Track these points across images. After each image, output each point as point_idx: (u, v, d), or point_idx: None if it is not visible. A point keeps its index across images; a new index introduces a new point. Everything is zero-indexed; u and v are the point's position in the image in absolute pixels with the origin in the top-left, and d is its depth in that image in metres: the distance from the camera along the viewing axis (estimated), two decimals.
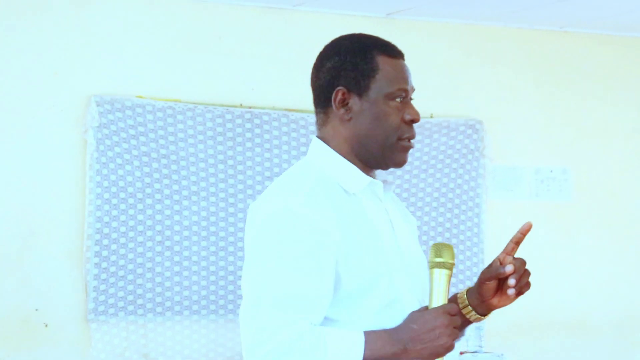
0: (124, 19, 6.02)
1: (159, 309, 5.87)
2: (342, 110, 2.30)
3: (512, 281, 2.33)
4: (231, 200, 6.09)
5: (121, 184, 5.86)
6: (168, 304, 5.90)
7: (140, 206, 5.88)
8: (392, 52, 2.35)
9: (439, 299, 2.31)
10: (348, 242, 2.22)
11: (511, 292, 2.35)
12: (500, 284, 2.35)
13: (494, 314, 6.76)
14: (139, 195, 5.88)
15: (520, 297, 7.65)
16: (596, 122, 7.17)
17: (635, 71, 7.28)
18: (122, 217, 5.82)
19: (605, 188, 7.15)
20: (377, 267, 2.28)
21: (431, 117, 6.69)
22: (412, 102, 2.39)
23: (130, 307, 5.81)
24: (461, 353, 5.64)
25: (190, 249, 5.98)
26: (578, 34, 7.12)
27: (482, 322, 5.63)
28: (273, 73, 6.31)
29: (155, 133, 5.95)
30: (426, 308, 2.30)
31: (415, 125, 2.33)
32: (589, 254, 7.09)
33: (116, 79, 5.94)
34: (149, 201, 5.90)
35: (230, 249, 6.05)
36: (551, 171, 7.05)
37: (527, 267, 2.31)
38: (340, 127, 2.31)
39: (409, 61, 2.44)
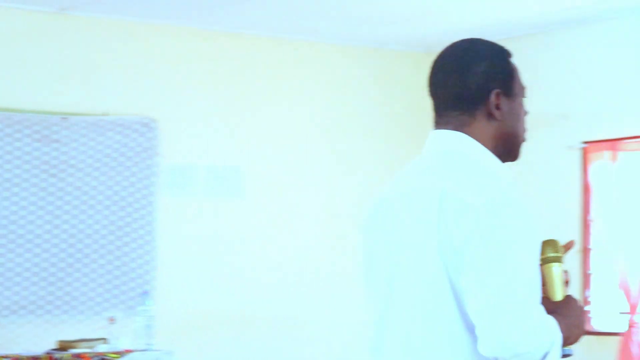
0: None
1: None
2: (494, 111, 2.37)
3: None
4: None
5: None
6: None
7: None
8: (512, 55, 2.48)
9: (563, 290, 2.40)
10: None
11: None
12: None
13: (163, 311, 6.79)
14: None
15: (190, 294, 7.70)
16: (267, 122, 7.38)
17: (305, 74, 7.56)
18: None
19: (275, 186, 7.38)
20: None
21: (105, 115, 6.64)
22: None
23: None
24: (128, 351, 5.62)
25: None
26: (252, 37, 7.31)
27: (152, 319, 5.70)
28: None
29: None
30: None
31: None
32: (259, 251, 7.29)
33: None
34: None
35: None
36: (224, 169, 7.18)
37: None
38: (488, 126, 2.37)
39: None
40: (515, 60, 2.50)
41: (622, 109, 6.88)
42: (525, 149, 2.45)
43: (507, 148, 2.41)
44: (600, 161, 6.88)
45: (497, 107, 2.37)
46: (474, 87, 2.37)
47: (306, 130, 7.53)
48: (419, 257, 2.27)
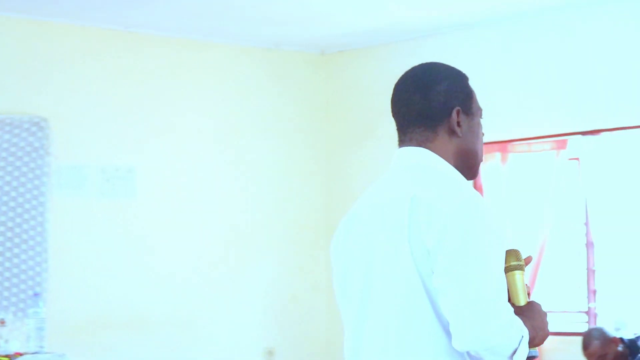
0: None
1: None
2: (456, 127, 2.51)
3: None
4: None
5: None
6: None
7: None
8: (468, 78, 2.62)
9: (525, 297, 2.51)
10: None
11: None
12: None
13: (55, 313, 6.68)
14: None
15: (83, 295, 7.59)
16: (163, 122, 7.33)
17: (201, 74, 7.53)
18: None
19: (170, 187, 7.33)
20: None
21: None
22: None
23: None
24: (18, 354, 5.52)
25: None
26: (147, 36, 7.25)
27: (43, 321, 5.60)
28: None
29: None
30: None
31: None
32: (153, 253, 7.23)
33: None
34: None
35: None
36: (117, 170, 7.11)
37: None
38: (449, 143, 2.51)
39: None
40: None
41: (513, 111, 7.02)
42: None
43: (466, 165, 2.55)
44: (491, 162, 7.01)
45: (458, 124, 2.52)
46: (437, 104, 2.51)
47: (201, 131, 7.50)
48: (393, 262, 2.40)
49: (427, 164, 2.49)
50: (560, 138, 6.73)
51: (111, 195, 7.08)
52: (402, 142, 2.55)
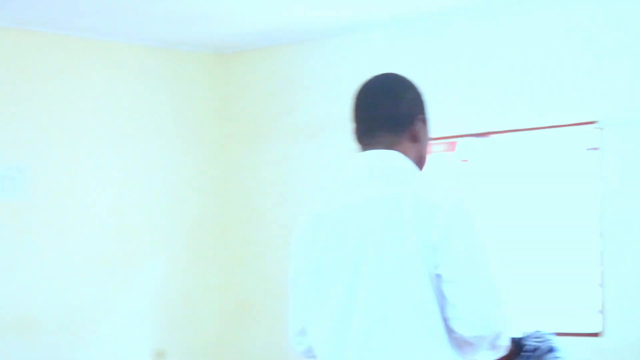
0: None
1: None
2: (417, 134, 2.70)
3: None
4: None
5: None
6: None
7: None
8: None
9: None
10: None
11: None
12: None
13: None
14: None
15: None
16: (52, 121, 7.23)
17: (94, 73, 7.43)
18: None
19: (60, 187, 7.23)
20: None
21: None
22: None
23: None
24: None
25: None
26: (37, 33, 7.12)
27: None
28: None
29: None
30: None
31: None
32: (42, 253, 7.13)
33: None
34: None
35: None
36: (7, 169, 7.00)
37: None
38: (411, 147, 2.70)
39: None
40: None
41: None
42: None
43: (419, 168, 2.73)
44: None
45: (419, 131, 2.72)
46: (404, 111, 2.71)
47: (94, 130, 7.42)
48: (396, 256, 2.55)
49: (404, 166, 2.67)
50: (450, 140, 6.85)
51: (0, 195, 6.97)
52: (369, 145, 2.71)
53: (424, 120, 2.74)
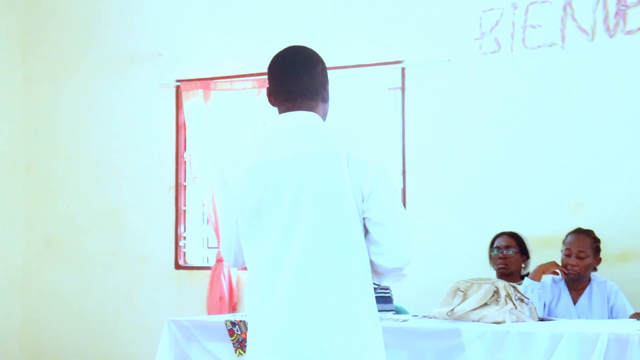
0: None
1: None
2: (327, 97, 3.34)
3: None
4: None
5: None
6: None
7: None
8: None
9: None
10: None
11: None
12: None
13: None
14: None
15: None
16: None
17: None
18: None
19: None
20: None
21: None
22: None
23: None
24: None
25: None
26: None
27: None
28: None
29: None
30: None
31: None
32: None
33: None
34: None
35: None
36: None
37: None
38: (323, 108, 3.34)
39: None
40: None
41: (215, 49, 7.11)
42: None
43: (324, 120, 3.37)
44: (194, 99, 7.09)
45: (326, 95, 3.36)
46: (319, 80, 3.32)
47: None
48: (332, 201, 3.14)
49: (325, 126, 3.28)
50: (261, 77, 6.89)
51: None
52: (291, 108, 3.29)
53: (327, 84, 3.36)
